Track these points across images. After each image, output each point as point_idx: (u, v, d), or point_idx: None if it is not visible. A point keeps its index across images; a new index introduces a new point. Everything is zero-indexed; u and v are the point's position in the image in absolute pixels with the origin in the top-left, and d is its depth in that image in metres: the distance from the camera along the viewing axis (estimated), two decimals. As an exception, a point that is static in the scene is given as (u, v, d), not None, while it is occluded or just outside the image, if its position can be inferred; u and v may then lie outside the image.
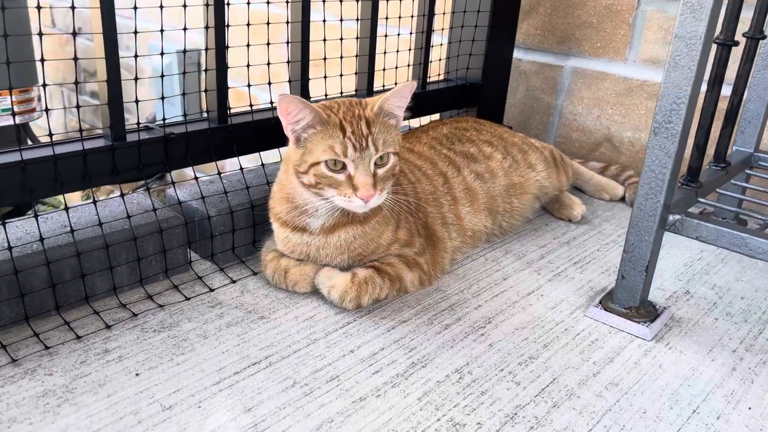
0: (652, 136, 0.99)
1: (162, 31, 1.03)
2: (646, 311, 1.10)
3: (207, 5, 1.07)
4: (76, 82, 0.96)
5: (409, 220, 1.17)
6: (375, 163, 1.02)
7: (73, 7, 0.90)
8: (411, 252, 1.15)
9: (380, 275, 1.09)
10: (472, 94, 1.71)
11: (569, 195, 1.53)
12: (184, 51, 1.08)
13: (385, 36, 1.42)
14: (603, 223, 1.50)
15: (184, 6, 1.04)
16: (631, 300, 1.09)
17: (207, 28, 1.09)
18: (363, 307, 1.08)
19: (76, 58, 0.95)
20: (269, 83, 1.22)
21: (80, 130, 0.99)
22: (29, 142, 2.91)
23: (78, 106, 0.98)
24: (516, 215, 1.40)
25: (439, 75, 1.68)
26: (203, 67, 1.15)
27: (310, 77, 1.30)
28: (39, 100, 3.14)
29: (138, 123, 1.07)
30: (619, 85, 1.71)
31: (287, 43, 1.24)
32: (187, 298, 1.08)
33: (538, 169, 1.45)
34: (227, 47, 1.13)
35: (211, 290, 1.11)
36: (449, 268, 1.24)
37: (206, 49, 1.11)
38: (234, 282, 1.15)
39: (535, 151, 1.49)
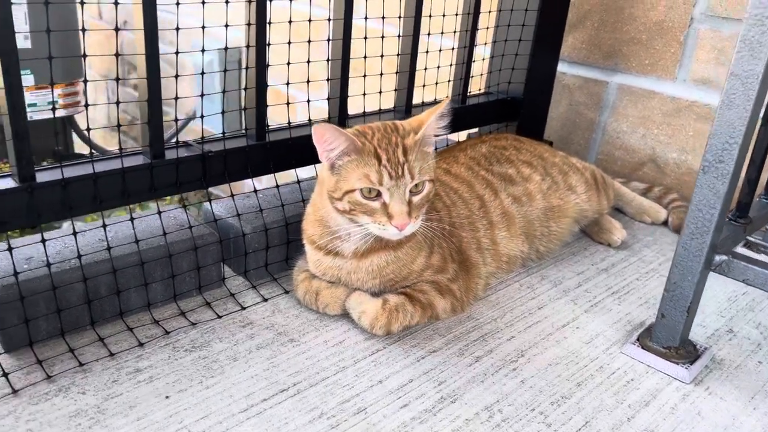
0: (701, 174, 0.95)
1: (203, 50, 1.03)
2: (685, 352, 1.06)
3: (248, 24, 1.07)
4: (117, 102, 0.97)
5: (443, 245, 1.16)
6: (410, 191, 1.00)
7: (117, 29, 0.91)
8: (444, 278, 1.13)
9: (411, 302, 1.08)
10: (513, 108, 1.68)
11: (609, 218, 1.49)
12: (225, 70, 1.08)
13: (426, 52, 1.40)
14: (644, 248, 1.46)
15: (226, 26, 1.03)
16: (671, 339, 1.05)
17: (248, 47, 1.09)
18: (393, 334, 1.07)
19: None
20: (308, 101, 1.22)
21: (120, 149, 1.00)
22: (74, 135, 2.98)
23: (119, 125, 0.99)
24: (554, 239, 1.37)
25: (479, 89, 1.65)
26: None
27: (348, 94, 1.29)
28: (84, 93, 3.22)
29: (177, 141, 1.07)
30: (666, 105, 1.65)
31: (327, 61, 1.23)
32: (219, 316, 1.09)
33: (579, 192, 1.42)
34: (267, 65, 1.13)
35: (243, 308, 1.12)
36: (483, 294, 1.22)
37: (246, 68, 1.11)
38: (266, 300, 1.15)
39: (576, 172, 1.45)
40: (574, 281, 1.30)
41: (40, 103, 2.70)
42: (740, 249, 1.08)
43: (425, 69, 1.42)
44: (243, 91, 1.13)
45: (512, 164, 1.39)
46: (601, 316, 1.19)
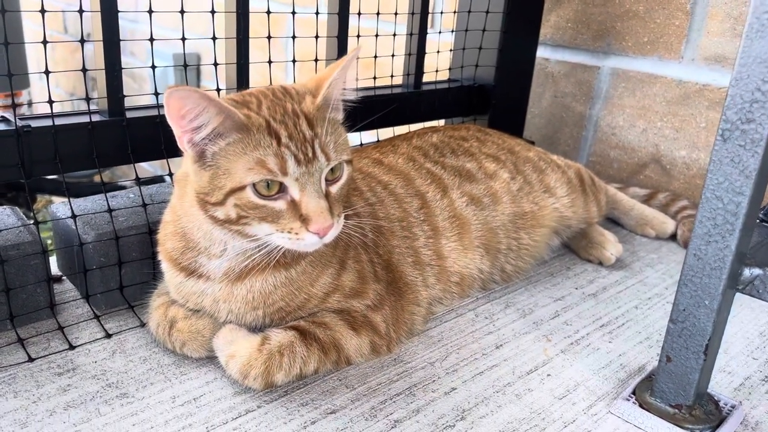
0: (719, 143, 0.63)
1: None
2: (704, 412, 0.72)
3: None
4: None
5: (361, 258, 0.83)
6: (325, 179, 0.69)
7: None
8: (360, 305, 0.81)
9: (305, 341, 0.75)
10: (483, 98, 1.37)
11: (601, 229, 1.16)
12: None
13: (359, 13, 1.10)
14: (645, 268, 1.12)
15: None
16: (681, 394, 0.72)
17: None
18: (277, 386, 0.74)
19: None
20: (215, 64, 0.92)
21: None
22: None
23: None
24: (525, 255, 1.04)
25: (436, 71, 1.34)
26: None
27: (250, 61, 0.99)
28: (30, 105, 2.98)
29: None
30: (671, 91, 1.33)
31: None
32: (31, 359, 0.76)
33: (559, 195, 1.10)
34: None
35: (72, 347, 0.79)
36: (422, 327, 0.89)
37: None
38: (109, 336, 0.82)
39: (556, 170, 1.13)
40: (550, 310, 0.97)
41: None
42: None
43: (358, 36, 1.11)
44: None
45: (473, 157, 1.07)
46: (583, 358, 0.85)
